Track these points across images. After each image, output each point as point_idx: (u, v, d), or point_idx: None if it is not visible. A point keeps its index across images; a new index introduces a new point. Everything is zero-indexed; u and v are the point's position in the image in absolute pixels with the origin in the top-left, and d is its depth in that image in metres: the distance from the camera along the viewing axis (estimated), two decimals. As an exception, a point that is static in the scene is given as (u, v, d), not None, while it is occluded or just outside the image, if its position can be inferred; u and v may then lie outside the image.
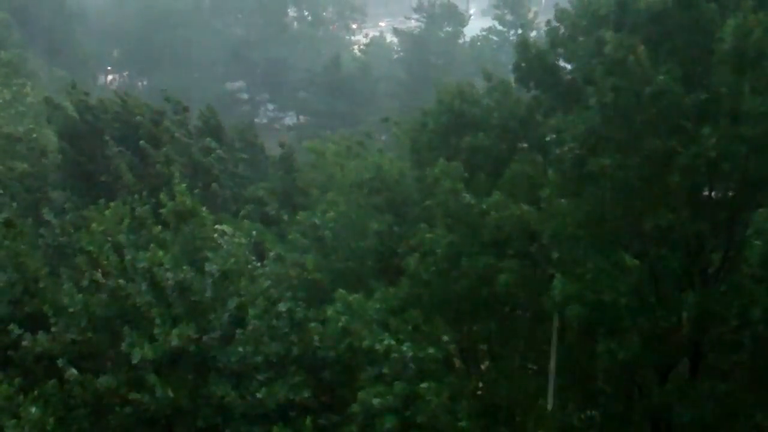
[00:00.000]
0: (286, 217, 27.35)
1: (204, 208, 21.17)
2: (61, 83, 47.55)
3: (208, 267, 19.28)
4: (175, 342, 17.69)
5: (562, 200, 18.49)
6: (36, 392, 17.75)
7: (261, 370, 18.68)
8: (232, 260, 19.83)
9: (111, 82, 78.85)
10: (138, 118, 30.92)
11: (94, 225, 20.29)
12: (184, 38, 71.50)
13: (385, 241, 22.04)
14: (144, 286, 18.89)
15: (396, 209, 23.07)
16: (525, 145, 22.84)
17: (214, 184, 29.34)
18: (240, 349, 18.48)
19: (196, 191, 26.30)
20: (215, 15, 76.73)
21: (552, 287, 17.23)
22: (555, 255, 18.00)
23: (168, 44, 71.06)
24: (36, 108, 35.59)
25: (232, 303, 19.07)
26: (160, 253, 19.01)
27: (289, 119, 72.14)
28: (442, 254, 18.96)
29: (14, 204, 25.67)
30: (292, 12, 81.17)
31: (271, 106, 74.32)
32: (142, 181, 28.57)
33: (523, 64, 22.62)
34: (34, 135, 32.03)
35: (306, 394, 18.33)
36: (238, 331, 18.74)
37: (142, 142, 29.61)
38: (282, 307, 19.46)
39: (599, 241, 18.21)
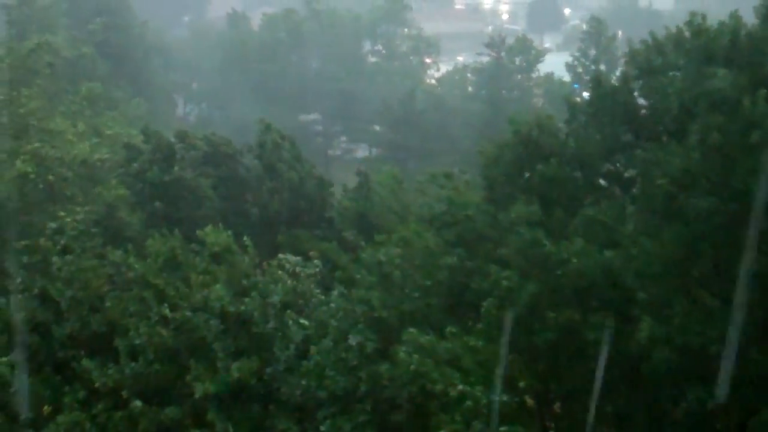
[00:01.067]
0: (362, 243, 27.07)
1: (248, 240, 20.99)
2: (140, 113, 48.67)
3: (271, 299, 19.13)
4: (236, 375, 17.49)
5: (647, 239, 17.76)
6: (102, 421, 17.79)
7: (325, 405, 18.31)
8: (295, 290, 19.65)
9: (189, 113, 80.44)
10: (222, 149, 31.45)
11: (152, 257, 20.41)
12: (262, 71, 72.53)
13: (456, 276, 21.52)
14: (210, 319, 18.80)
15: (467, 243, 22.54)
16: (602, 181, 22.24)
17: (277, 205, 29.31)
18: (304, 382, 18.15)
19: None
20: (292, 48, 77.74)
21: (639, 330, 16.44)
22: (641, 296, 17.20)
23: (245, 77, 72.18)
24: (115, 138, 36.32)
25: (298, 335, 18.80)
26: (219, 287, 18.92)
27: (362, 152, 72.37)
28: (522, 304, 18.33)
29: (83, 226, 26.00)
30: (367, 46, 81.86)
31: (344, 139, 74.73)
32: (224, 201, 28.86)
33: (597, 100, 22.23)
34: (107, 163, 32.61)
35: (371, 432, 17.91)
36: (303, 363, 18.44)
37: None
38: (352, 340, 19.08)
39: (686, 283, 17.41)
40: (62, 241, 22.39)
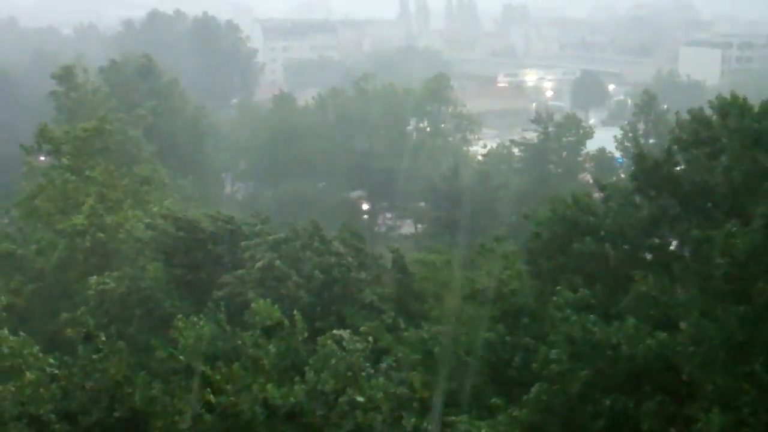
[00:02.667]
0: (402, 323, 26.93)
1: (298, 315, 20.96)
2: (188, 193, 49.62)
3: (322, 385, 18.91)
4: None
5: (706, 321, 17.30)
6: None
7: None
8: (348, 373, 19.44)
9: (236, 191, 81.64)
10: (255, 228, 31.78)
11: (185, 336, 20.40)
12: (309, 150, 73.62)
13: (498, 351, 21.26)
14: (256, 407, 18.62)
15: (510, 318, 22.35)
16: (648, 255, 21.94)
17: (334, 271, 29.34)
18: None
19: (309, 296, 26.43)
20: (339, 127, 79.05)
21: (707, 421, 15.88)
22: (708, 387, 16.66)
23: (293, 156, 73.31)
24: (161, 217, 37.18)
25: (350, 422, 18.53)
26: (270, 386, 18.76)
27: (408, 228, 72.52)
28: (573, 390, 17.93)
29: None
30: (412, 123, 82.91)
31: (389, 215, 75.07)
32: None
33: (641, 174, 22.11)
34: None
35: None
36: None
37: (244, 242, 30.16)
38: (405, 422, 18.78)
39: (752, 369, 16.81)
40: (84, 330, 22.47)
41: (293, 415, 18.55)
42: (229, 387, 19.08)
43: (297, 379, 19.43)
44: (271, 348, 20.94)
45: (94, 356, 20.64)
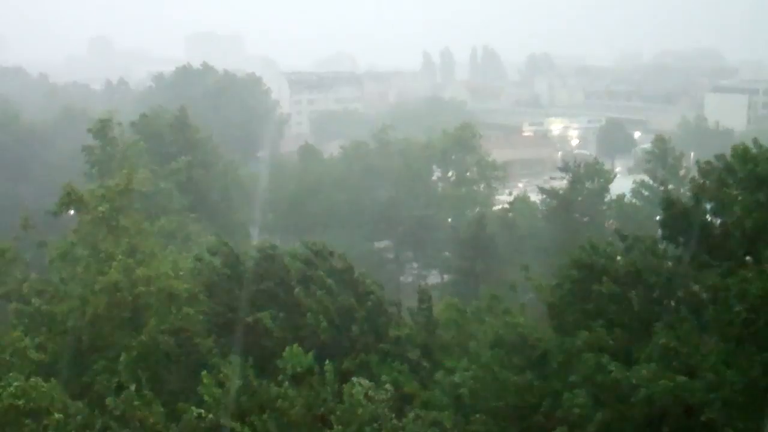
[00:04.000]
0: (427, 365, 26.90)
1: (329, 366, 20.97)
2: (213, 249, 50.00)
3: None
4: None
5: (727, 369, 17.28)
6: None
7: None
8: (375, 424, 19.42)
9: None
10: (293, 263, 31.95)
11: (209, 394, 20.49)
12: (334, 201, 74.18)
13: (526, 397, 21.23)
14: None
15: (535, 365, 22.34)
16: (672, 302, 21.90)
17: (354, 327, 29.41)
18: None
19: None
20: (364, 178, 79.66)
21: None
22: (729, 430, 16.58)
23: (318, 207, 73.86)
24: (189, 267, 37.47)
25: None
26: None
27: (434, 278, 72.47)
28: (593, 431, 17.91)
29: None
30: (437, 173, 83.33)
31: (415, 265, 75.12)
32: (285, 330, 29.09)
33: (670, 221, 22.18)
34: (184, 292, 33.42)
35: None
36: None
37: (297, 290, 30.37)
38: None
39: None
40: (116, 380, 22.65)
41: None
42: None
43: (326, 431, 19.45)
44: (300, 399, 20.93)
45: (124, 406, 20.78)
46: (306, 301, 30.44)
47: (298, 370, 21.36)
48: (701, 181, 23.35)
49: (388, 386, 22.10)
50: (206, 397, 20.65)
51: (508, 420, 21.82)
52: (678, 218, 22.31)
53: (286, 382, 21.61)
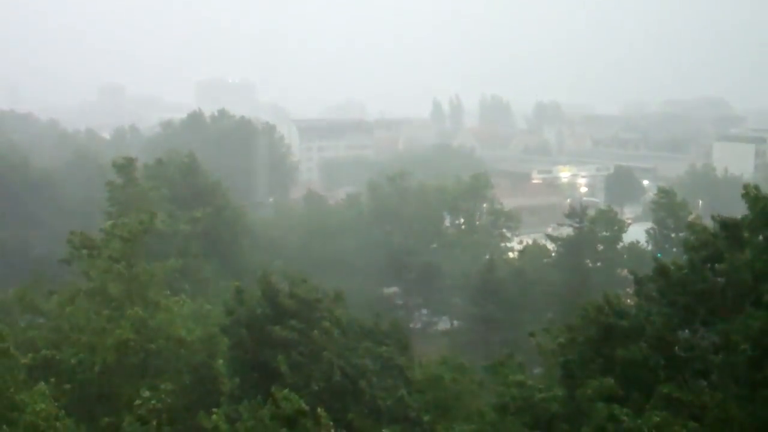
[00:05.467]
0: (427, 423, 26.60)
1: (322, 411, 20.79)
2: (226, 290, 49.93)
3: None
4: None
5: (736, 409, 17.20)
6: None
7: None
8: None
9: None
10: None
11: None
12: (344, 246, 74.18)
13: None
14: None
15: (543, 426, 22.04)
16: (680, 353, 21.77)
17: (362, 382, 29.22)
18: None
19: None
20: (374, 224, 79.73)
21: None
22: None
23: (328, 252, 73.81)
24: (203, 312, 37.39)
25: None
26: None
27: (443, 324, 72.11)
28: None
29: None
30: (448, 220, 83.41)
31: (425, 311, 74.80)
32: (303, 374, 28.91)
33: (667, 288, 22.12)
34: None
35: None
36: None
37: (316, 332, 30.23)
38: None
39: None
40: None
41: None
42: None
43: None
44: None
45: None
46: (322, 345, 30.32)
47: (289, 412, 20.98)
48: (692, 242, 23.31)
49: None
50: None
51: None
52: (674, 286, 22.35)
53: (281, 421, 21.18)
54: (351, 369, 30.30)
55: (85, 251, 36.50)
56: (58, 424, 24.86)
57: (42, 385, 27.34)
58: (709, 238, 22.22)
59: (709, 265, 21.77)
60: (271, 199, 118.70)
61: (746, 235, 21.11)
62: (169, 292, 38.01)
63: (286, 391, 21.66)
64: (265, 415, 21.35)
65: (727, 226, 21.80)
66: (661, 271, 22.23)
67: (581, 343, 22.07)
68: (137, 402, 29.53)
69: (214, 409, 23.83)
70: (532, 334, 29.92)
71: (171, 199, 62.56)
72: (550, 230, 76.10)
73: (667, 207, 71.91)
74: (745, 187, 22.53)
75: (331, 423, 21.97)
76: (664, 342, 21.28)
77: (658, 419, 17.47)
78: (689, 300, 21.35)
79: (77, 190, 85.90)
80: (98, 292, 34.88)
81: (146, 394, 29.60)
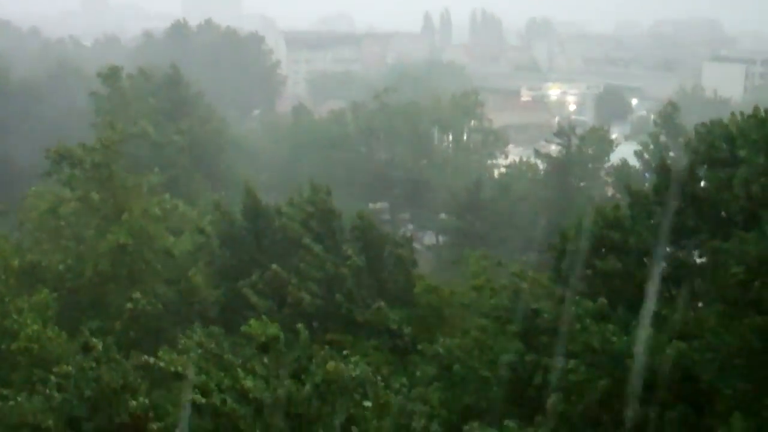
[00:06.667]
0: (420, 347, 26.63)
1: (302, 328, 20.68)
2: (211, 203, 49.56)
3: (312, 378, 18.65)
4: None
5: (724, 331, 17.19)
6: None
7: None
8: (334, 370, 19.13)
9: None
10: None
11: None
12: (331, 161, 73.69)
13: (518, 370, 20.94)
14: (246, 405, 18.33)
15: (529, 337, 22.03)
16: (666, 267, 21.73)
17: (340, 300, 29.17)
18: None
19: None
20: (361, 140, 79.14)
21: (729, 426, 15.71)
22: (726, 391, 16.49)
23: (314, 167, 73.32)
24: (188, 224, 36.98)
25: (342, 415, 18.19)
26: (250, 379, 18.56)
27: (429, 239, 72.30)
28: (592, 399, 17.80)
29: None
30: (436, 137, 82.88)
31: (411, 227, 74.93)
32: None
33: (663, 188, 21.94)
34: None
35: None
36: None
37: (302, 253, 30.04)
38: (416, 423, 18.44)
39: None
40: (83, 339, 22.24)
41: (284, 409, 18.29)
42: (217, 387, 18.90)
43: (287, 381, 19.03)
44: (266, 361, 20.42)
45: (87, 365, 20.42)
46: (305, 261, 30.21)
47: (263, 339, 20.69)
48: (696, 147, 23.08)
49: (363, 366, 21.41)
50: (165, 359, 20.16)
51: (500, 391, 21.53)
52: (672, 185, 22.10)
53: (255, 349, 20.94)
54: (329, 281, 30.23)
55: (66, 163, 35.81)
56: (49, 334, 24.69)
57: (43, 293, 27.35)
58: (710, 150, 21.94)
59: (706, 171, 21.56)
60: (257, 112, 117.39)
61: (743, 154, 20.81)
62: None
63: (253, 320, 21.24)
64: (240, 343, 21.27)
65: (733, 139, 21.48)
66: (661, 168, 21.95)
67: (571, 252, 22.01)
68: (128, 306, 29.51)
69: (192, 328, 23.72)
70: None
71: (160, 112, 61.68)
72: (538, 147, 75.76)
73: (664, 123, 71.45)
74: (731, 116, 22.30)
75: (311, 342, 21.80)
76: (650, 256, 21.26)
77: (647, 340, 17.47)
78: (684, 210, 21.23)
79: (60, 101, 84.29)
80: (81, 201, 34.32)
81: (137, 295, 29.59)
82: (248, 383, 18.40)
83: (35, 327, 24.88)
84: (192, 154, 59.91)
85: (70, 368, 20.43)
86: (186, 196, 49.03)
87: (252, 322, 20.74)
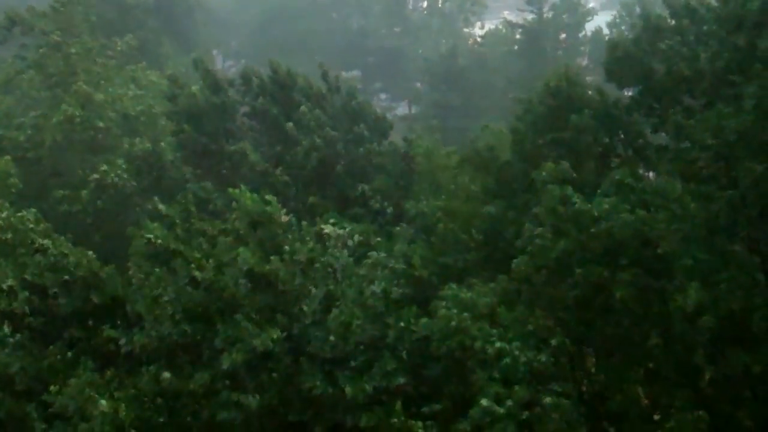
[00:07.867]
0: (390, 209, 26.65)
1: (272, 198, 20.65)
2: (182, 70, 48.44)
3: (297, 256, 18.87)
4: (260, 348, 17.31)
5: (691, 201, 17.37)
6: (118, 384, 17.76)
7: (354, 356, 18.07)
8: (316, 248, 19.35)
9: (228, 68, 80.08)
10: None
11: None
12: (302, 28, 71.99)
13: (494, 226, 21.29)
14: (239, 279, 18.53)
15: (504, 195, 22.23)
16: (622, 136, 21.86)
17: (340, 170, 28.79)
18: (332, 337, 17.93)
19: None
20: (333, 6, 77.11)
21: (686, 295, 16.08)
22: (687, 261, 16.77)
23: (285, 34, 71.70)
24: (155, 89, 36.10)
25: (321, 290, 18.55)
26: (244, 249, 18.71)
27: (402, 109, 71.71)
28: (553, 261, 18.15)
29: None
30: (410, 3, 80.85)
31: (384, 96, 74.15)
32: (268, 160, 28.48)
33: (613, 62, 21.85)
34: (153, 111, 32.40)
35: (401, 380, 17.67)
36: (330, 317, 18.19)
37: (290, 124, 29.34)
38: (376, 287, 18.83)
39: (732, 248, 16.97)
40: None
41: (271, 283, 18.59)
42: (210, 262, 19.05)
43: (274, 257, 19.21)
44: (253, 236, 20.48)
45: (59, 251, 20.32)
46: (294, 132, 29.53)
47: (253, 215, 20.61)
48: (654, 22, 22.80)
49: (348, 229, 21.53)
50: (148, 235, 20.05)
51: (474, 250, 21.93)
52: (621, 62, 22.01)
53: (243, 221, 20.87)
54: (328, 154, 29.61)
55: (17, 29, 34.68)
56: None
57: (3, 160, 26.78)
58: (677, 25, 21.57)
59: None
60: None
61: (706, 28, 20.47)
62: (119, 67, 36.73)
63: (245, 190, 21.02)
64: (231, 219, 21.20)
65: (696, 12, 21.10)
66: (611, 48, 21.79)
67: (537, 114, 21.99)
68: (93, 176, 29.28)
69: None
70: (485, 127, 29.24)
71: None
72: (509, 15, 73.93)
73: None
74: None
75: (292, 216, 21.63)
76: (615, 120, 21.35)
77: (606, 206, 17.67)
78: (635, 84, 21.16)
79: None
80: (36, 70, 33.44)
81: (104, 167, 29.34)
82: (246, 255, 18.59)
83: (4, 215, 24.20)
84: (160, 16, 58.18)
85: (47, 242, 20.43)
86: (155, 60, 47.94)
87: (246, 194, 20.48)
